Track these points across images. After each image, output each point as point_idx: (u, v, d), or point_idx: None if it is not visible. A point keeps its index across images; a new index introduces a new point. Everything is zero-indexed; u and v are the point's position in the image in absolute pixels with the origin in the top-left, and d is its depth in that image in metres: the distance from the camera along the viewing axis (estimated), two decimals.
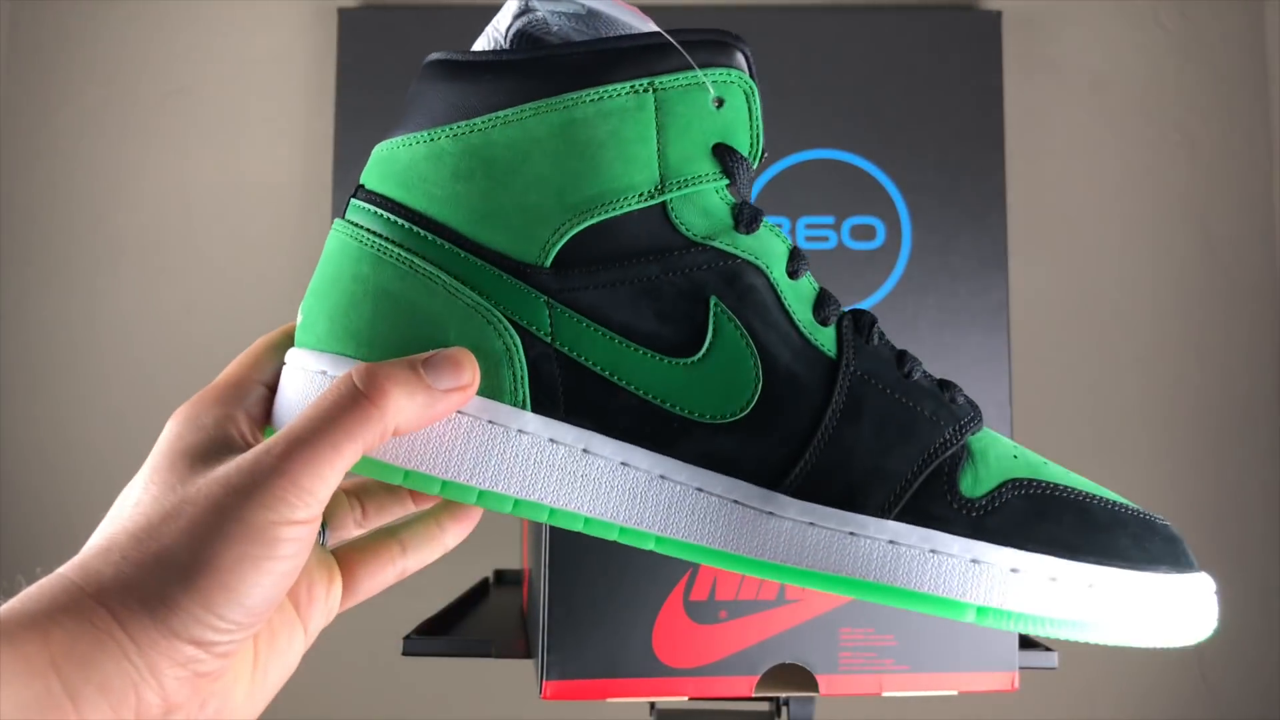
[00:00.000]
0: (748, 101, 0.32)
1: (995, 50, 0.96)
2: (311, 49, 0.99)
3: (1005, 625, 0.29)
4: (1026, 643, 0.53)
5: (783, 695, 0.47)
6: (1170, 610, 0.30)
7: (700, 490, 0.31)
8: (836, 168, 0.95)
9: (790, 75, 0.96)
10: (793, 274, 0.32)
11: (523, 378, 0.30)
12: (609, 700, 0.44)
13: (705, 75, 0.31)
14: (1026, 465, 0.32)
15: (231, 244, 0.98)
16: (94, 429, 0.95)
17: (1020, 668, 0.46)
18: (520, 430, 0.30)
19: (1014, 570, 0.29)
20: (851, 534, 0.30)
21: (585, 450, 0.30)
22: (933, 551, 0.30)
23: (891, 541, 0.30)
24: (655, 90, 0.31)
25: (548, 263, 0.30)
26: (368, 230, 0.31)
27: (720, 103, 0.31)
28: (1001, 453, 0.32)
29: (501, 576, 0.82)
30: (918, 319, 0.93)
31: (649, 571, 0.44)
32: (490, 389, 0.30)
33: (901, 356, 0.32)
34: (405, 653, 0.54)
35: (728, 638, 0.44)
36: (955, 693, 0.45)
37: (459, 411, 0.30)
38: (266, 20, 1.00)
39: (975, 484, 0.31)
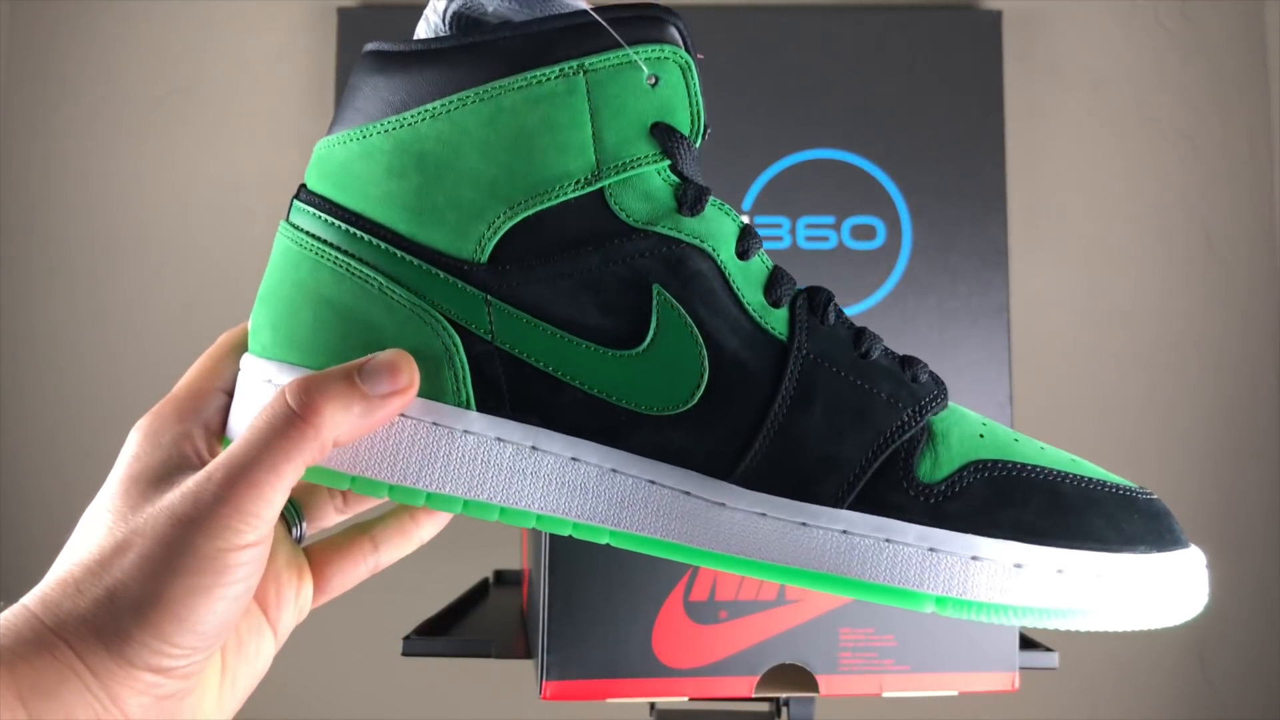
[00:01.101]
0: (685, 77, 0.30)
1: (996, 50, 0.96)
2: (311, 48, 0.99)
3: (969, 615, 0.28)
4: (1027, 643, 0.52)
5: (783, 695, 0.47)
6: (1151, 591, 0.29)
7: (652, 483, 0.30)
8: (837, 168, 0.95)
9: (790, 75, 0.96)
10: (742, 254, 0.31)
11: (465, 377, 0.30)
12: (609, 700, 0.44)
13: (637, 53, 0.30)
14: (994, 445, 0.30)
15: (231, 243, 0.98)
16: (93, 428, 0.95)
17: (1021, 668, 0.46)
18: (466, 430, 0.30)
19: (975, 558, 0.28)
20: (803, 524, 0.29)
21: (534, 447, 0.30)
22: (887, 541, 0.29)
23: (844, 531, 0.29)
24: (586, 72, 0.29)
25: (484, 258, 0.29)
26: (307, 233, 0.31)
27: (655, 80, 0.30)
28: (966, 432, 0.30)
29: (501, 576, 0.82)
30: (918, 319, 0.93)
31: (649, 572, 0.44)
32: (432, 390, 0.30)
33: (859, 335, 0.31)
34: (405, 653, 0.54)
35: (728, 638, 0.44)
36: (955, 693, 0.45)
37: (403, 415, 0.29)
38: (266, 20, 1.00)
39: (935, 468, 0.29)
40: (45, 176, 0.98)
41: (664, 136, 0.30)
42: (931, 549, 0.28)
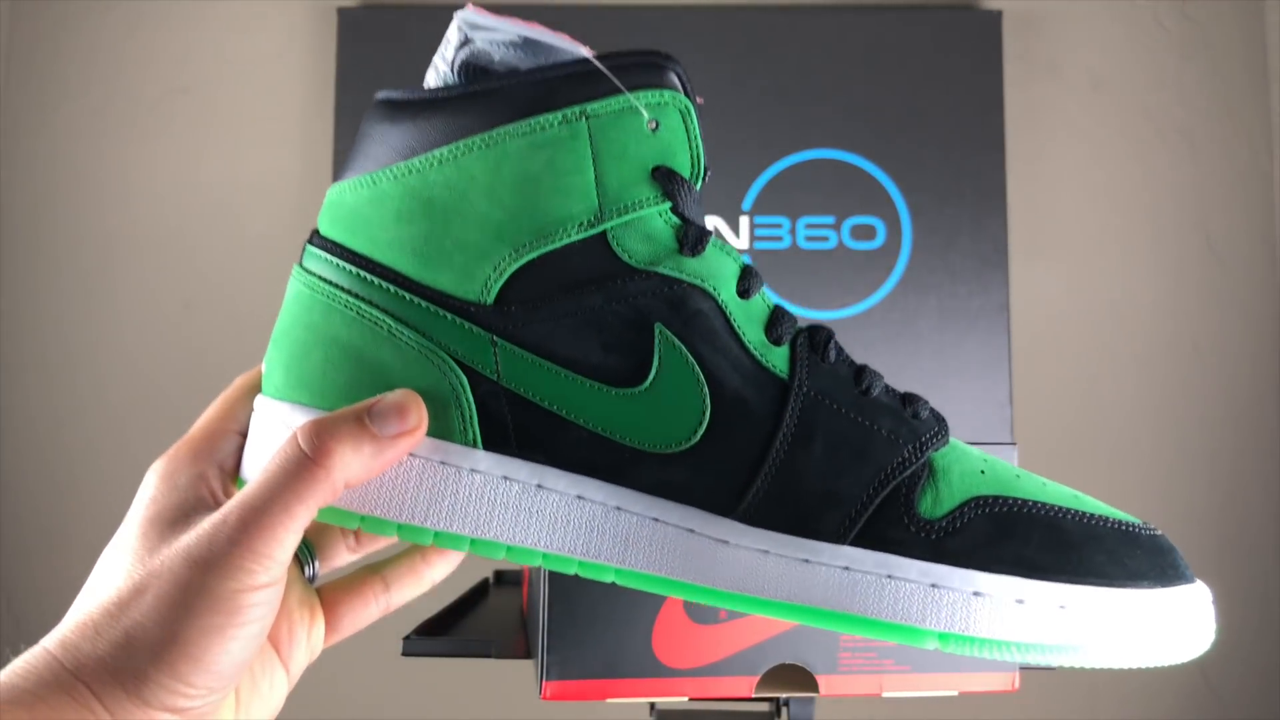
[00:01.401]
0: (684, 121, 0.31)
1: (995, 50, 0.96)
2: (311, 49, 0.99)
3: (971, 651, 0.28)
4: None
5: (783, 696, 0.47)
6: (1155, 627, 0.29)
7: (656, 520, 0.30)
8: (837, 167, 0.95)
9: (790, 75, 0.96)
10: (744, 293, 0.31)
11: (472, 417, 0.30)
12: (609, 700, 0.44)
13: (637, 98, 0.30)
14: (995, 481, 0.30)
15: (231, 243, 0.98)
16: (93, 428, 0.95)
17: (1021, 668, 0.46)
18: (472, 469, 0.30)
19: (976, 594, 0.28)
20: (805, 560, 0.29)
21: (539, 485, 0.30)
22: (889, 577, 0.29)
23: (846, 568, 0.29)
24: (588, 118, 0.30)
25: (490, 300, 0.30)
26: (318, 277, 0.31)
27: (656, 125, 0.31)
28: (967, 469, 0.31)
29: (501, 576, 0.82)
30: (918, 319, 0.93)
31: None
32: (440, 430, 0.30)
33: (860, 373, 0.32)
34: (405, 653, 0.54)
35: (728, 638, 0.44)
36: (955, 693, 0.45)
37: (411, 454, 0.30)
38: (266, 20, 1.00)
39: (935, 504, 0.29)
40: (44, 176, 0.98)
41: (665, 179, 0.31)
42: (933, 585, 0.29)
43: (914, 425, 0.31)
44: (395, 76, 0.94)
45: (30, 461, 0.96)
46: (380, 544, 0.37)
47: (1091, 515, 0.30)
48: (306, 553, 0.35)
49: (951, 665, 0.45)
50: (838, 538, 0.29)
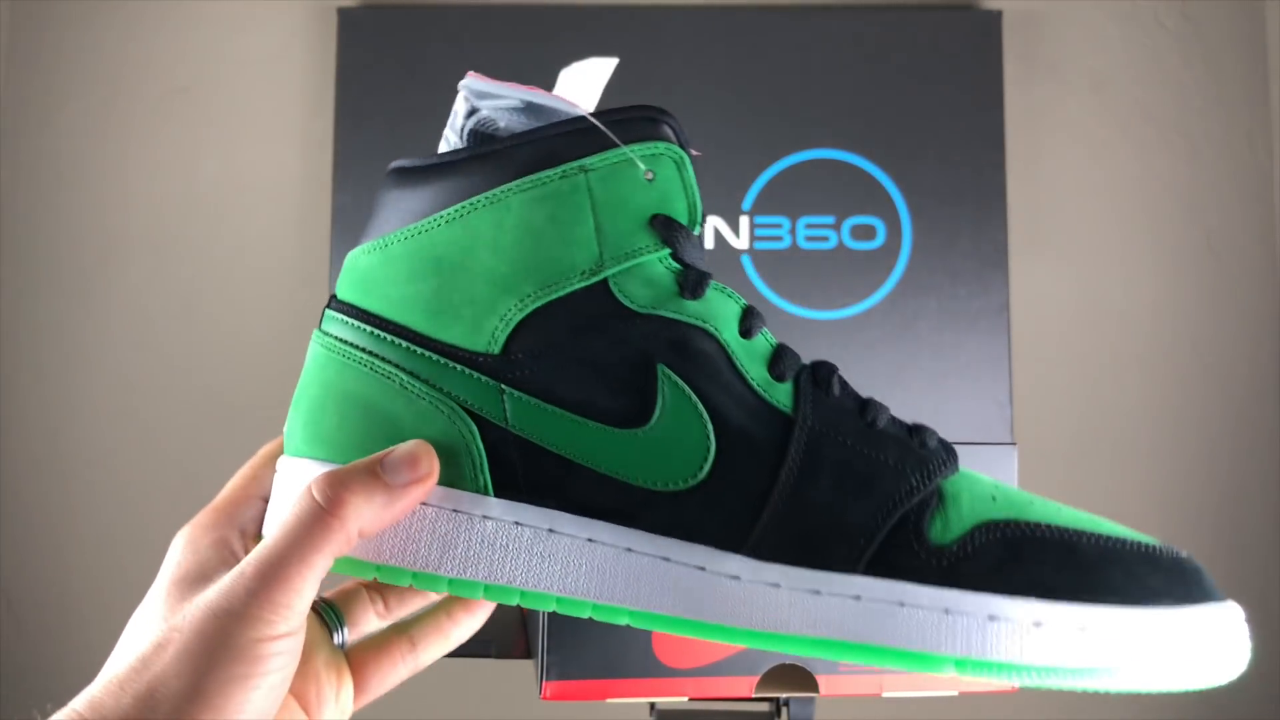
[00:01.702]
0: (679, 170, 0.32)
1: (995, 50, 0.96)
2: (310, 49, 0.99)
3: (992, 676, 0.28)
4: None
5: (783, 696, 0.47)
6: (1181, 648, 0.28)
7: (666, 560, 0.30)
8: (836, 167, 0.95)
9: (790, 75, 0.96)
10: (746, 333, 0.32)
11: (482, 464, 0.31)
12: (609, 700, 0.44)
13: (633, 151, 0.32)
14: (1007, 505, 0.30)
15: (230, 244, 0.98)
16: (93, 428, 0.95)
17: None
18: (484, 516, 0.31)
19: (991, 618, 0.28)
20: (815, 592, 0.29)
21: (550, 530, 0.31)
22: (900, 604, 0.28)
23: (857, 597, 0.29)
24: (586, 172, 0.31)
25: (497, 349, 0.31)
26: (335, 338, 0.33)
27: (652, 175, 0.32)
28: (978, 494, 0.30)
29: None
30: (918, 320, 0.93)
31: None
32: (452, 478, 0.31)
33: (865, 406, 0.32)
34: None
35: None
36: (956, 693, 0.45)
37: (424, 503, 0.31)
38: (265, 20, 1.00)
39: (945, 530, 0.29)
40: (42, 176, 0.98)
41: (662, 227, 0.32)
42: (946, 610, 0.28)
43: (922, 454, 0.31)
44: (395, 76, 0.94)
45: (30, 462, 0.96)
46: (408, 608, 0.38)
47: (1108, 537, 0.30)
48: (336, 620, 0.36)
49: None
50: (848, 567, 0.29)
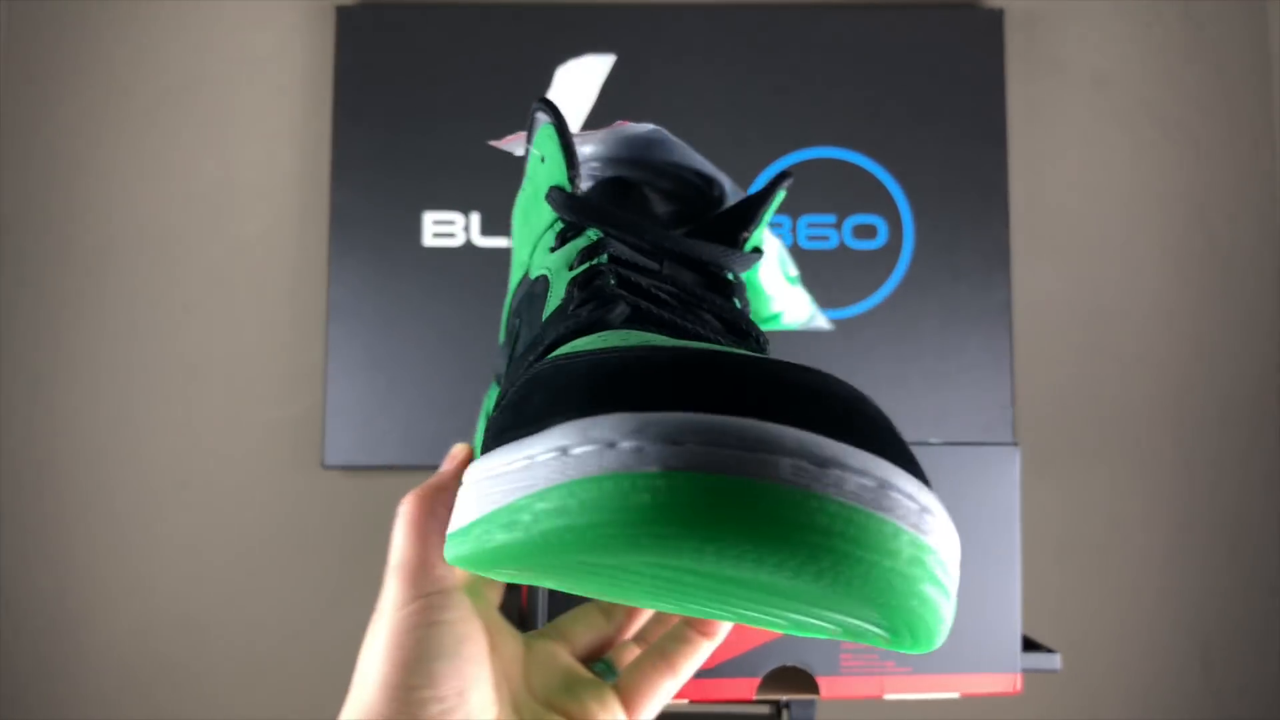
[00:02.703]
0: (560, 139, 0.35)
1: (998, 48, 0.96)
2: (309, 47, 0.99)
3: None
4: (1030, 645, 0.52)
5: (784, 698, 0.46)
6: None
7: None
8: (838, 166, 0.95)
9: (791, 74, 0.95)
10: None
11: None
12: None
13: (534, 146, 0.36)
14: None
15: (229, 243, 0.97)
16: (92, 428, 0.95)
17: (1023, 670, 0.45)
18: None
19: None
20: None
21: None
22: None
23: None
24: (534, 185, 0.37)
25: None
26: None
27: (543, 159, 0.35)
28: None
29: None
30: (920, 319, 0.93)
31: None
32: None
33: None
34: None
35: (729, 640, 0.44)
36: (957, 695, 0.45)
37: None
38: (264, 19, 0.99)
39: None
40: (41, 176, 0.98)
41: (550, 197, 0.35)
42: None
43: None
44: (394, 75, 0.94)
45: (29, 462, 0.95)
46: (650, 627, 0.40)
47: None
48: (608, 669, 0.38)
49: (953, 667, 0.45)
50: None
